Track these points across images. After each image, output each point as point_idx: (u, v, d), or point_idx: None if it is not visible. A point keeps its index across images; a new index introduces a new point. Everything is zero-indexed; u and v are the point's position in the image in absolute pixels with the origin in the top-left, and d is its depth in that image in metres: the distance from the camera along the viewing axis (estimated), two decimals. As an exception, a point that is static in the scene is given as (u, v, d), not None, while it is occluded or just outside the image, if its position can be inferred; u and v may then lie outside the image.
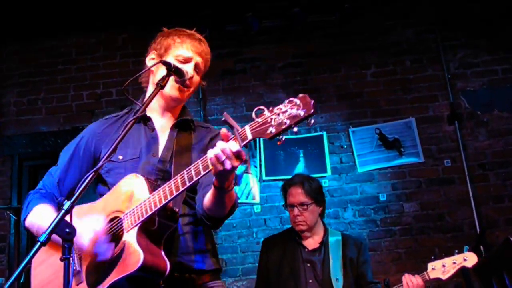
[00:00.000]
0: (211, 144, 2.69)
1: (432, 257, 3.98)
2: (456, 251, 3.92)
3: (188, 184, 2.20)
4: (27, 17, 6.27)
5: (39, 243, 1.88)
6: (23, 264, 1.86)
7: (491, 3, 6.24)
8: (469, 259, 3.85)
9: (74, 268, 2.43)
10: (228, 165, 2.09)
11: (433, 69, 6.21)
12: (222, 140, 2.13)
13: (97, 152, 2.72)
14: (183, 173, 2.22)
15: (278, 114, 1.98)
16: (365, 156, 5.96)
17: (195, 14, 6.26)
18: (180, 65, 2.60)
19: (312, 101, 1.96)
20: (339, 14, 6.25)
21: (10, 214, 5.53)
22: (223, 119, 2.11)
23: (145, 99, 2.53)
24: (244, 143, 2.06)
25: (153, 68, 2.71)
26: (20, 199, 6.12)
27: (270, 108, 2.02)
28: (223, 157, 2.08)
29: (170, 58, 2.64)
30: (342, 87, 6.24)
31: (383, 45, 6.35)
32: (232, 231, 5.87)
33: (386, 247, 5.74)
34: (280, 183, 5.83)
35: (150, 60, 2.79)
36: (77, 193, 2.04)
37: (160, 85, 2.47)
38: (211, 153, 2.11)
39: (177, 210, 2.38)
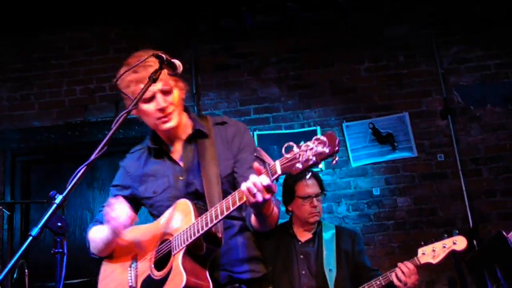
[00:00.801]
0: (233, 146, 2.79)
1: (422, 243, 3.98)
2: (446, 235, 3.93)
3: (226, 213, 2.35)
4: (19, 11, 6.24)
5: (30, 237, 1.88)
6: (15, 258, 1.86)
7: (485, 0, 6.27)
8: (459, 242, 3.86)
9: (131, 284, 2.68)
10: (259, 197, 2.22)
11: (426, 64, 6.22)
12: (255, 173, 2.25)
13: (134, 186, 2.92)
14: (222, 202, 2.37)
15: (306, 151, 2.10)
16: (358, 151, 5.97)
17: (190, 9, 6.26)
18: (148, 105, 2.70)
19: (337, 140, 2.10)
20: (333, 9, 6.25)
21: (3, 210, 5.52)
22: (255, 154, 2.38)
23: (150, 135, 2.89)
24: (274, 177, 2.21)
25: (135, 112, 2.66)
26: (13, 194, 6.11)
27: (299, 145, 2.15)
28: (255, 190, 2.22)
29: (140, 104, 2.65)
30: (335, 82, 6.24)
31: (377, 40, 6.35)
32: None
33: (379, 241, 5.76)
34: (274, 178, 5.85)
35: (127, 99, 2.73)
36: (69, 187, 2.04)
37: (152, 78, 2.45)
38: (244, 186, 2.25)
39: (220, 235, 2.51)
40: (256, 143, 5.89)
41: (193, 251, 2.46)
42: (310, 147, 2.10)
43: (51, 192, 1.99)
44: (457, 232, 3.97)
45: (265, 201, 2.25)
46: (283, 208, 4.65)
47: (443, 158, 5.90)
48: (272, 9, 6.27)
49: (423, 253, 3.94)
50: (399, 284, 3.91)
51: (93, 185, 6.17)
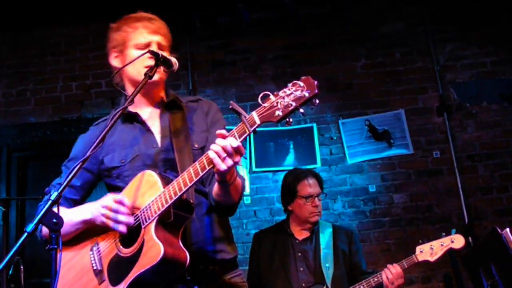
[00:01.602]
0: (207, 120, 2.71)
1: (420, 241, 4.01)
2: (444, 233, 3.97)
3: (195, 179, 2.21)
4: (15, 7, 6.22)
5: (26, 233, 1.88)
6: (10, 254, 1.86)
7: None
8: (456, 241, 3.92)
9: (95, 268, 2.47)
10: (229, 162, 2.13)
11: (422, 61, 6.23)
12: (220, 138, 2.15)
13: (99, 157, 2.69)
14: (190, 168, 2.24)
15: (284, 97, 2.03)
16: (354, 148, 5.97)
17: (186, 5, 6.24)
18: (138, 51, 2.62)
19: (316, 82, 2.01)
20: (330, 6, 6.26)
21: (-1, 206, 5.51)
22: (230, 107, 2.18)
23: (129, 95, 2.53)
24: (253, 128, 2.08)
25: (117, 62, 2.78)
26: (8, 190, 6.10)
27: (275, 93, 2.06)
28: (224, 154, 2.12)
29: (131, 50, 2.69)
30: (332, 79, 6.24)
31: (374, 37, 6.36)
32: (222, 222, 5.87)
33: (375, 238, 5.77)
34: (270, 175, 5.87)
35: (114, 59, 2.82)
36: (65, 183, 2.04)
37: (149, 75, 2.44)
38: (211, 151, 2.14)
39: (192, 201, 2.39)
40: (252, 140, 5.91)
41: (164, 221, 2.30)
42: (287, 93, 2.03)
43: (47, 188, 1.99)
44: (455, 230, 4.00)
45: (234, 164, 2.16)
46: (279, 205, 4.67)
47: (439, 155, 5.91)
48: (268, 6, 6.27)
49: (421, 251, 3.98)
50: (387, 282, 3.96)
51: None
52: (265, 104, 2.06)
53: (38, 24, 6.53)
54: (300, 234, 4.39)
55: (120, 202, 2.35)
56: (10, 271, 4.42)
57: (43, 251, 2.65)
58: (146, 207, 2.33)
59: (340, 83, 6.23)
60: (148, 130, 2.67)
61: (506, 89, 6.04)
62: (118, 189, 2.59)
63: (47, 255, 1.92)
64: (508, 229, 3.31)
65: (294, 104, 2.00)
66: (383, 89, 6.17)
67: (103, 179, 2.76)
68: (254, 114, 2.08)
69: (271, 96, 2.07)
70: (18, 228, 5.99)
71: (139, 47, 2.67)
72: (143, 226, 2.33)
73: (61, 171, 2.84)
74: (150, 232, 2.27)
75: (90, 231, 2.54)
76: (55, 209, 1.99)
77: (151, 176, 2.39)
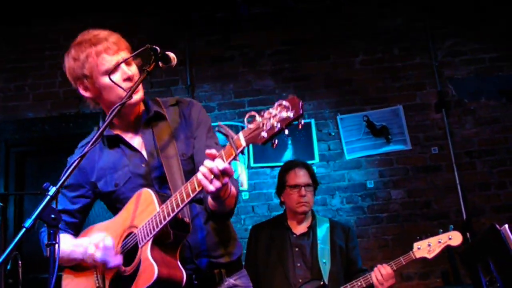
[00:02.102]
0: (191, 124, 2.67)
1: (418, 237, 4.02)
2: (441, 230, 3.98)
3: (186, 200, 2.22)
4: (13, 1, 6.21)
5: (24, 229, 1.88)
6: (8, 250, 1.86)
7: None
8: (454, 238, 3.92)
9: (98, 285, 2.53)
10: (217, 183, 2.13)
11: (421, 57, 6.22)
12: (209, 159, 2.15)
13: (92, 181, 2.71)
14: (182, 189, 2.25)
15: (269, 119, 1.99)
16: (352, 143, 5.97)
17: (184, 1, 6.24)
18: (113, 76, 2.49)
19: (300, 102, 1.96)
20: (328, 1, 6.26)
21: (-3, 201, 5.51)
22: (217, 129, 2.17)
23: (113, 123, 2.61)
24: (239, 150, 2.08)
25: (89, 93, 2.70)
26: (7, 185, 6.09)
27: (261, 113, 2.03)
28: (211, 176, 2.12)
29: (101, 77, 2.54)
30: (330, 75, 6.24)
31: (372, 32, 6.35)
32: (220, 218, 5.88)
33: (373, 234, 5.77)
34: (268, 170, 5.87)
35: (85, 92, 2.71)
36: (63, 178, 2.05)
37: (147, 71, 2.41)
38: (199, 173, 2.14)
39: (187, 220, 2.41)
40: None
41: (161, 241, 2.34)
42: (273, 114, 1.98)
43: (45, 184, 1.98)
44: (452, 227, 4.00)
45: (223, 185, 2.15)
46: (277, 201, 4.67)
47: (437, 151, 5.91)
48: (267, 1, 6.26)
49: (419, 248, 3.98)
50: (377, 283, 3.97)
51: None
52: (251, 126, 2.03)
53: (37, 19, 6.52)
54: (298, 228, 4.41)
55: (106, 248, 2.40)
56: (8, 266, 4.42)
57: (41, 246, 2.67)
58: (142, 226, 2.37)
59: (338, 78, 6.22)
60: (134, 150, 2.64)
61: (504, 85, 6.04)
62: (117, 210, 2.65)
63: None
64: (506, 225, 3.30)
65: (278, 126, 1.96)
66: (381, 85, 6.17)
67: (101, 200, 2.79)
68: (241, 135, 2.06)
69: (257, 117, 2.03)
70: (16, 223, 5.99)
71: (106, 72, 2.51)
72: (139, 246, 2.37)
73: (62, 168, 2.84)
74: (146, 252, 2.31)
75: None
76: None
77: (148, 195, 2.43)
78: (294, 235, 4.37)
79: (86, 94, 2.70)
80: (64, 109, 6.28)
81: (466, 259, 4.03)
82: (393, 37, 6.31)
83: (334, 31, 6.38)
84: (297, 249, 4.30)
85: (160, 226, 2.27)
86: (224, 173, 2.13)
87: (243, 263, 2.85)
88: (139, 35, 6.37)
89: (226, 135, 2.12)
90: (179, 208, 2.24)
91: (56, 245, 1.93)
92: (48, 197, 1.96)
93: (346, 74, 6.24)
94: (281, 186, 4.47)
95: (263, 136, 1.99)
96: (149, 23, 6.44)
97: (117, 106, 2.32)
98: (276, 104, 2.00)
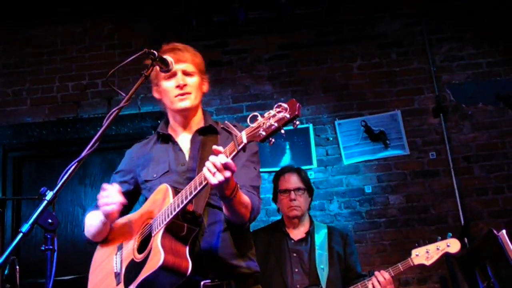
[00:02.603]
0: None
1: (416, 244, 4.03)
2: (439, 237, 4.00)
3: (194, 192, 2.39)
4: (10, 5, 6.21)
5: (21, 234, 1.88)
6: (5, 254, 1.86)
7: (477, -3, 6.30)
8: (452, 245, 3.95)
9: (116, 270, 2.74)
10: (219, 177, 2.27)
11: (418, 62, 6.23)
12: (214, 153, 2.32)
13: (137, 172, 3.03)
14: (191, 183, 2.43)
15: (269, 119, 2.16)
16: (351, 149, 5.97)
17: (182, 5, 6.24)
18: (169, 82, 2.90)
19: (298, 104, 2.13)
20: (326, 5, 6.26)
21: (-5, 206, 5.50)
22: (222, 126, 2.37)
23: (171, 123, 3.03)
24: (240, 146, 2.23)
25: (158, 95, 3.04)
26: (4, 190, 6.08)
27: (263, 114, 2.20)
28: (214, 170, 2.28)
29: (163, 82, 2.93)
30: (328, 79, 6.25)
31: (370, 37, 6.36)
32: (218, 222, 5.87)
33: (371, 239, 5.77)
34: (266, 175, 5.86)
35: (155, 91, 3.05)
36: (60, 183, 2.04)
37: (144, 75, 2.53)
38: (204, 167, 2.32)
39: (199, 213, 2.58)
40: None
41: (173, 232, 2.50)
42: (272, 114, 2.15)
43: (42, 189, 1.99)
44: (451, 234, 4.02)
45: (225, 180, 2.29)
46: (275, 206, 4.67)
47: (435, 156, 5.91)
48: (264, 5, 6.26)
49: (417, 255, 4.00)
50: None
51: (85, 182, 6.16)
52: (253, 125, 2.20)
53: (34, 23, 6.52)
54: (296, 234, 4.42)
55: (102, 189, 2.68)
56: (6, 271, 4.41)
57: (38, 251, 2.68)
58: (157, 216, 2.56)
59: (336, 83, 6.23)
60: (179, 149, 2.92)
61: (502, 90, 6.05)
62: None
63: (42, 256, 1.92)
64: (504, 231, 3.32)
65: (276, 125, 2.13)
66: (379, 90, 6.17)
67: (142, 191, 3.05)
68: (243, 133, 2.22)
69: (259, 117, 2.20)
70: (14, 228, 5.97)
71: (166, 78, 2.90)
72: (153, 234, 2.55)
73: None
74: (157, 240, 2.47)
75: (119, 235, 2.87)
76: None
77: (165, 189, 2.64)
78: (292, 241, 4.37)
79: (156, 95, 3.05)
80: (61, 114, 6.27)
81: (464, 264, 4.04)
82: (390, 42, 6.32)
83: (331, 36, 6.38)
84: (295, 254, 4.31)
85: (171, 216, 2.44)
86: (225, 167, 2.28)
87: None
88: (137, 39, 6.39)
89: (230, 133, 2.31)
90: (188, 199, 2.39)
91: (54, 251, 1.93)
92: (45, 202, 1.96)
93: (344, 79, 6.24)
94: (275, 192, 4.54)
95: (261, 134, 2.16)
96: (146, 27, 6.45)
97: (114, 110, 2.39)
98: (276, 105, 2.17)
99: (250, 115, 2.23)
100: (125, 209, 2.92)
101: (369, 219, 5.81)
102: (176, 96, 2.87)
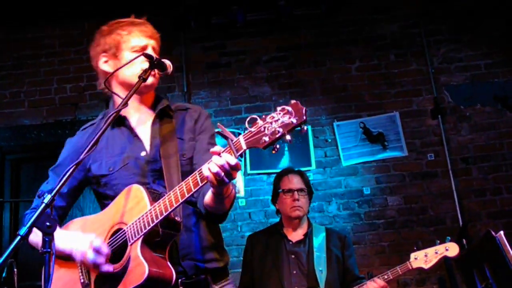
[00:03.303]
0: (196, 129, 2.69)
1: (415, 248, 4.05)
2: (438, 241, 4.02)
3: (187, 195, 2.19)
4: (8, 7, 6.21)
5: (19, 237, 1.87)
6: (3, 257, 1.85)
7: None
8: (451, 249, 3.96)
9: (83, 280, 2.45)
10: (227, 179, 2.11)
11: (417, 63, 6.24)
12: (215, 155, 2.10)
13: (86, 165, 2.67)
14: (182, 185, 2.21)
15: (271, 123, 1.97)
16: (349, 150, 5.97)
17: (180, 7, 6.24)
18: (136, 54, 2.57)
19: (304, 108, 1.95)
20: (324, 7, 6.26)
21: (-7, 208, 5.49)
22: (217, 130, 2.10)
23: (118, 102, 2.55)
24: (239, 153, 2.05)
25: (108, 67, 2.70)
26: (2, 192, 6.08)
27: (263, 117, 2.00)
28: (222, 174, 2.08)
29: (126, 53, 2.64)
30: (327, 81, 6.25)
31: (368, 39, 6.37)
32: (216, 224, 5.87)
33: (369, 240, 5.77)
34: (265, 177, 5.87)
35: (104, 64, 2.73)
36: (57, 187, 2.03)
37: (143, 78, 2.43)
38: (208, 171, 2.09)
39: (178, 219, 2.36)
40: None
41: (150, 239, 2.29)
42: (275, 119, 1.96)
43: (40, 192, 1.98)
44: (449, 238, 4.03)
45: (231, 180, 2.14)
46: (274, 208, 4.67)
47: (433, 157, 5.92)
48: (263, 7, 6.26)
49: (416, 258, 4.02)
50: None
51: (83, 184, 6.14)
52: (252, 129, 2.01)
53: (32, 25, 6.52)
54: (294, 236, 4.42)
55: (98, 251, 2.33)
56: (4, 274, 4.40)
57: (36, 254, 2.65)
58: (132, 223, 2.32)
59: (334, 85, 6.23)
60: (136, 136, 2.64)
61: (499, 91, 6.06)
62: (106, 197, 2.61)
63: (40, 258, 1.91)
64: (502, 232, 3.31)
65: (281, 131, 1.95)
66: (377, 92, 6.17)
67: (90, 186, 2.75)
68: (241, 138, 2.04)
69: (259, 121, 2.01)
70: (12, 230, 5.97)
71: (135, 50, 2.64)
72: (129, 244, 2.31)
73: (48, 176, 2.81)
74: (136, 250, 2.26)
75: None
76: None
77: (138, 191, 2.38)
78: (290, 243, 4.37)
79: (104, 67, 2.72)
80: (59, 116, 6.27)
81: (462, 265, 4.05)
82: (389, 43, 6.33)
83: (330, 37, 6.39)
84: (293, 256, 4.31)
85: (152, 225, 2.23)
86: (234, 168, 2.09)
87: (231, 271, 2.82)
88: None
89: (226, 137, 2.07)
90: (174, 207, 2.20)
91: (52, 253, 1.92)
92: (43, 205, 1.96)
93: (342, 81, 6.24)
94: (276, 193, 4.52)
95: (265, 140, 1.97)
96: (144, 29, 6.44)
97: (112, 113, 2.34)
98: (278, 109, 1.98)
99: (249, 118, 2.04)
100: (66, 210, 2.74)
101: (368, 220, 5.81)
102: (143, 70, 2.50)
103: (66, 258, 2.46)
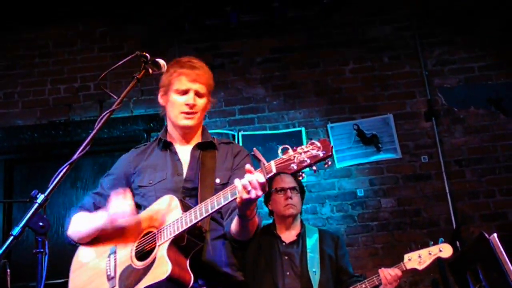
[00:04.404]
0: (234, 162, 2.98)
1: (409, 248, 4.06)
2: (432, 242, 4.06)
3: (216, 207, 2.46)
4: (2, 8, 6.19)
5: (12, 237, 1.87)
6: (-4, 258, 1.85)
7: (468, 1, 6.31)
8: (444, 250, 3.98)
9: (109, 273, 2.74)
10: (253, 194, 2.35)
11: (410, 66, 6.25)
12: (248, 173, 2.38)
13: (131, 178, 3.03)
14: (213, 198, 2.48)
15: (301, 153, 2.29)
16: (343, 152, 5.98)
17: (174, 8, 6.24)
18: (180, 97, 2.95)
19: (331, 145, 2.29)
20: (318, 9, 6.27)
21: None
22: (252, 153, 2.45)
23: (170, 131, 3.08)
24: (269, 176, 2.35)
25: (162, 101, 3.10)
26: (-5, 193, 6.06)
27: (294, 148, 2.32)
28: (250, 187, 2.35)
29: (172, 94, 2.98)
30: (320, 83, 6.26)
31: (362, 41, 6.38)
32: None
33: (363, 242, 5.77)
34: (259, 178, 5.85)
35: (161, 97, 3.09)
36: (51, 186, 2.04)
37: (137, 78, 2.55)
38: (238, 183, 2.37)
39: (204, 229, 2.65)
40: (241, 144, 5.90)
41: (178, 244, 2.55)
42: (305, 150, 2.27)
43: (33, 192, 1.98)
44: (442, 239, 4.05)
45: (256, 198, 2.36)
46: (266, 210, 4.67)
47: (427, 159, 5.93)
48: (257, 9, 6.26)
49: (409, 259, 4.04)
50: (385, 281, 3.99)
51: (76, 185, 6.13)
52: (284, 156, 2.32)
53: (25, 25, 6.51)
54: (287, 236, 4.42)
55: (115, 196, 2.68)
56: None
57: (29, 254, 2.65)
58: (163, 227, 2.60)
59: (328, 87, 6.24)
60: (178, 159, 2.97)
61: (493, 94, 6.07)
62: (140, 207, 2.91)
63: (34, 259, 1.91)
64: (495, 234, 3.33)
65: (308, 161, 2.26)
66: (371, 94, 6.18)
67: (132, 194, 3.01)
68: (273, 163, 2.34)
69: (290, 150, 2.32)
70: (5, 231, 5.94)
71: (178, 92, 2.96)
72: (157, 244, 2.58)
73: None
74: (163, 251, 2.52)
75: (111, 238, 2.82)
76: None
77: (173, 201, 2.66)
78: (283, 243, 4.37)
79: (160, 100, 3.11)
80: (53, 117, 6.25)
81: (455, 267, 4.06)
82: (382, 45, 6.34)
83: (323, 39, 6.40)
84: (286, 257, 4.30)
85: (181, 230, 2.50)
86: (262, 187, 2.36)
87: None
88: (129, 42, 6.39)
89: (259, 160, 2.40)
90: (203, 216, 2.47)
91: (44, 254, 1.92)
92: (36, 205, 1.96)
93: (336, 83, 6.25)
94: (268, 193, 4.50)
95: (293, 167, 2.28)
96: (138, 30, 6.44)
97: (106, 113, 2.40)
98: (309, 142, 2.32)
99: (281, 147, 2.35)
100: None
101: (361, 222, 5.82)
102: (182, 113, 2.94)
103: (100, 244, 2.85)
